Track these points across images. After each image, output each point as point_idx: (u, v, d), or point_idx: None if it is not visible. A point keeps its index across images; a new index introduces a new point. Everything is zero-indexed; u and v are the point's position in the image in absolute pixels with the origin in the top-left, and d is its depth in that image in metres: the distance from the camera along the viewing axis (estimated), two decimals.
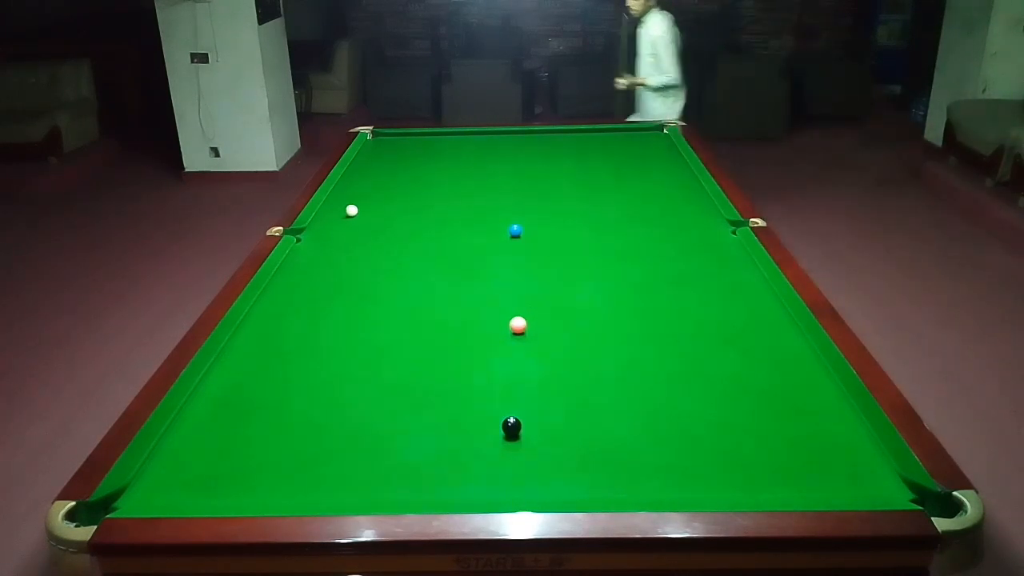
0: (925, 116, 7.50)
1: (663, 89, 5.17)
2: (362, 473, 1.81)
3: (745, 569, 1.64)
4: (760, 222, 3.09)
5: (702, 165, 3.81)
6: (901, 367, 3.27)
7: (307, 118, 8.17)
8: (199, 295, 4.68)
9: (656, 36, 5.05)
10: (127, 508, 1.68)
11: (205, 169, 7.02)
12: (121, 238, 5.84)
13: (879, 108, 8.72)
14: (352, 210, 3.36)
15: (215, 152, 6.97)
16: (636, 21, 5.14)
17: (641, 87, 5.23)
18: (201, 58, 6.64)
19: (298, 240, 3.12)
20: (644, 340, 2.37)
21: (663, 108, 5.21)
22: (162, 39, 6.62)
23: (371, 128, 4.59)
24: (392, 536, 1.58)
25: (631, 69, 5.32)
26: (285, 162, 7.24)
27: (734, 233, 3.06)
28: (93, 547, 1.57)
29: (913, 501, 1.65)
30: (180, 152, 6.98)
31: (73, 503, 1.64)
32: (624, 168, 4.01)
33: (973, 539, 1.56)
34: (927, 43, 7.58)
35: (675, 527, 1.58)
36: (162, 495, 1.73)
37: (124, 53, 8.20)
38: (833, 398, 2.04)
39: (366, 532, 1.58)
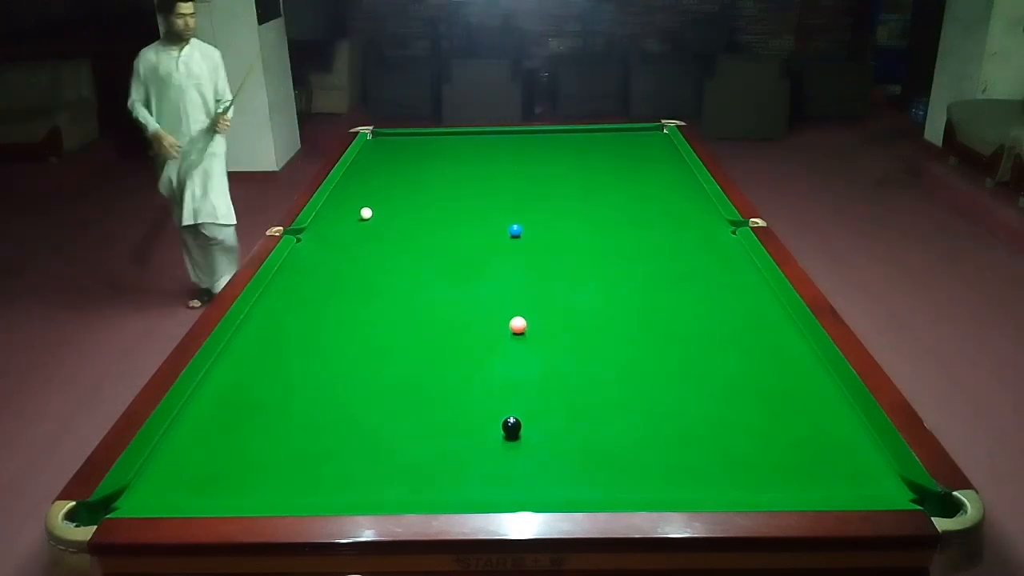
0: (925, 116, 7.51)
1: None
2: (362, 473, 1.81)
3: (745, 569, 1.64)
4: (760, 222, 3.09)
5: (702, 165, 3.81)
6: (901, 367, 3.27)
7: (307, 118, 8.16)
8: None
9: (218, 57, 4.34)
10: (127, 508, 1.68)
11: None
12: (121, 238, 5.83)
13: (879, 108, 8.72)
14: (367, 213, 3.35)
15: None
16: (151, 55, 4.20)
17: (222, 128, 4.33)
18: None
19: (298, 240, 3.12)
20: (644, 340, 2.37)
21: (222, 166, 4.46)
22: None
23: (371, 128, 4.59)
24: (392, 536, 1.58)
25: (191, 124, 4.27)
26: (285, 162, 7.24)
27: (734, 233, 3.06)
28: (93, 547, 1.57)
29: (913, 501, 1.65)
30: None
31: (73, 503, 1.64)
32: (624, 168, 4.01)
33: (973, 539, 1.56)
34: (927, 43, 7.58)
35: (675, 527, 1.58)
36: (162, 495, 1.73)
37: (124, 53, 8.17)
38: (833, 398, 2.04)
39: (366, 532, 1.59)
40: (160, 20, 4.15)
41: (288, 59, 7.39)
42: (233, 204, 4.55)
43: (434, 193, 3.69)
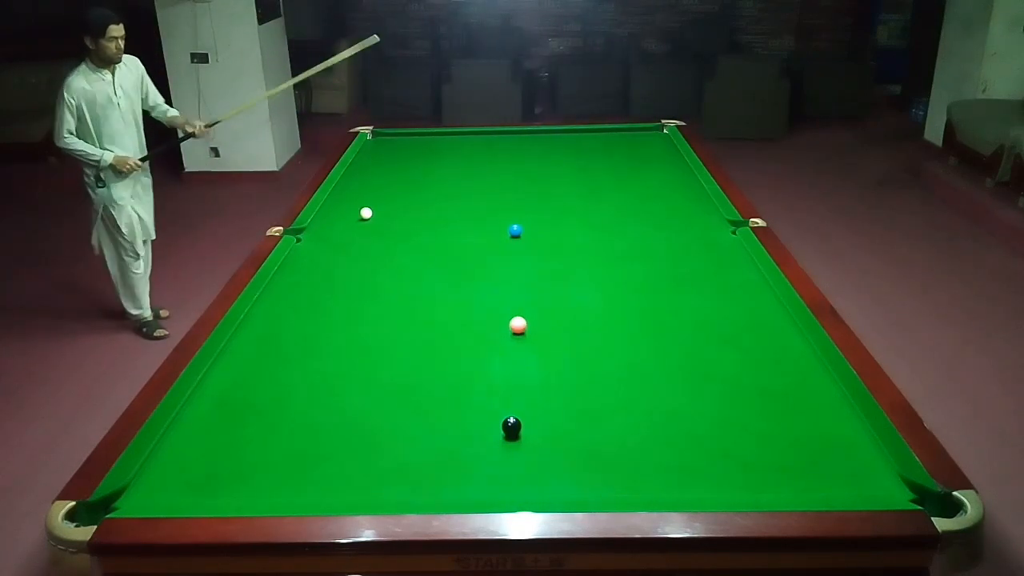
0: (925, 116, 7.50)
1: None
2: (362, 473, 1.81)
3: (745, 569, 1.64)
4: (760, 222, 3.09)
5: (702, 165, 3.81)
6: (901, 367, 3.28)
7: (307, 118, 8.17)
8: (199, 295, 4.69)
9: (139, 64, 4.09)
10: (127, 508, 1.68)
11: (205, 169, 7.01)
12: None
13: (879, 108, 8.71)
14: (367, 213, 3.35)
15: (215, 152, 6.96)
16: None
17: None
18: (201, 58, 6.64)
19: (298, 240, 3.12)
20: (644, 340, 2.37)
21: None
22: (162, 39, 6.61)
23: (371, 128, 4.59)
24: (392, 536, 1.58)
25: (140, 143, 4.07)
26: (285, 162, 7.24)
27: (734, 233, 3.06)
28: (93, 547, 1.57)
29: (913, 501, 1.65)
30: (180, 152, 6.98)
31: (73, 503, 1.65)
32: (624, 168, 4.01)
33: (973, 539, 1.56)
34: (927, 43, 7.58)
35: (675, 527, 1.58)
36: (162, 495, 1.74)
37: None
38: (833, 398, 2.04)
39: (366, 532, 1.59)
40: (88, 43, 3.79)
41: (288, 59, 7.39)
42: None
43: (434, 193, 3.69)
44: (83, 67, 3.88)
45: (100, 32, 3.77)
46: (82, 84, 3.85)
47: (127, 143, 4.02)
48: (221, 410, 2.06)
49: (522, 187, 3.74)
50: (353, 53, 3.93)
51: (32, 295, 4.96)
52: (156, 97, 4.20)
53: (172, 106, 4.36)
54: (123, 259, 4.20)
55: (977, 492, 1.63)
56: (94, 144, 3.94)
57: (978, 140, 6.13)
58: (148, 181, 4.23)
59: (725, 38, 9.42)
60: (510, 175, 3.92)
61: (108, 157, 3.93)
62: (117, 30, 3.81)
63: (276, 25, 7.09)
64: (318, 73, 4.14)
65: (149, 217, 4.25)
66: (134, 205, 4.12)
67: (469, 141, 4.55)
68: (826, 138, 7.94)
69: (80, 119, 3.88)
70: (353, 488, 1.76)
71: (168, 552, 1.60)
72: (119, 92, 3.95)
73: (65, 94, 3.82)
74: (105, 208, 4.07)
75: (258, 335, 2.43)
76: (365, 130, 4.56)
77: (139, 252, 4.21)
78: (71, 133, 3.88)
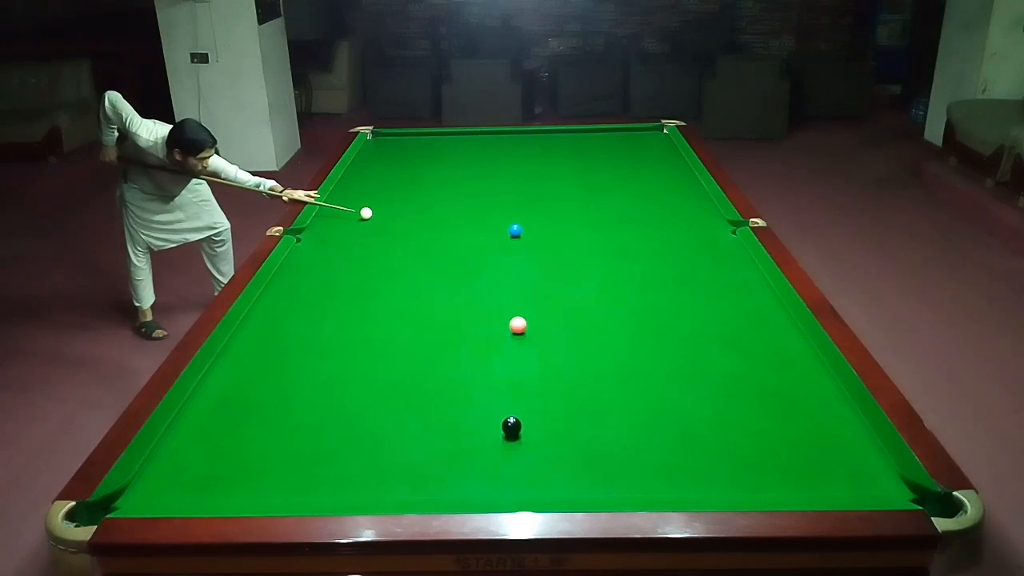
0: (925, 116, 7.50)
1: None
2: (362, 473, 1.81)
3: (745, 569, 1.64)
4: (760, 222, 3.09)
5: (702, 165, 3.82)
6: (901, 367, 3.28)
7: (307, 118, 8.17)
8: (199, 295, 4.70)
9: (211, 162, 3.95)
10: (127, 508, 1.68)
11: None
12: (121, 238, 5.82)
13: (879, 108, 8.72)
14: (367, 213, 3.35)
15: (215, 152, 6.96)
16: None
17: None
18: (201, 58, 6.64)
19: (298, 240, 3.12)
20: (644, 340, 2.37)
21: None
22: (162, 39, 6.62)
23: (371, 128, 4.59)
24: (392, 536, 1.58)
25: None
26: (285, 162, 7.24)
27: (734, 233, 3.06)
28: (93, 547, 1.57)
29: (913, 501, 1.65)
30: None
31: (73, 503, 1.65)
32: (624, 168, 4.01)
33: (973, 539, 1.56)
34: (927, 43, 7.58)
35: (675, 527, 1.58)
36: (162, 495, 1.74)
37: (124, 53, 8.21)
38: (833, 398, 2.04)
39: (366, 532, 1.59)
40: (176, 153, 3.74)
41: (288, 59, 7.39)
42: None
43: (434, 193, 3.69)
44: (160, 141, 3.78)
45: (193, 153, 3.75)
46: (146, 142, 3.79)
47: (167, 197, 4.09)
48: (221, 410, 2.06)
49: (522, 187, 3.74)
50: (333, 207, 3.51)
51: (32, 296, 4.96)
52: (224, 168, 4.03)
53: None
54: (128, 248, 4.22)
55: (977, 492, 1.63)
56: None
57: (978, 140, 6.13)
58: (191, 199, 4.18)
59: (725, 38, 9.43)
60: (510, 175, 3.92)
61: (108, 142, 3.93)
62: (208, 153, 3.81)
63: (276, 25, 7.09)
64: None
65: (166, 232, 4.19)
66: (152, 212, 4.11)
67: (469, 141, 4.56)
68: (826, 138, 7.94)
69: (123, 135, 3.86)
70: (353, 488, 1.76)
71: (168, 552, 1.61)
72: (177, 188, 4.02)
73: (140, 128, 3.77)
74: (120, 197, 4.09)
75: (258, 335, 2.43)
76: (365, 130, 4.56)
77: (140, 251, 4.22)
78: (107, 119, 3.81)
